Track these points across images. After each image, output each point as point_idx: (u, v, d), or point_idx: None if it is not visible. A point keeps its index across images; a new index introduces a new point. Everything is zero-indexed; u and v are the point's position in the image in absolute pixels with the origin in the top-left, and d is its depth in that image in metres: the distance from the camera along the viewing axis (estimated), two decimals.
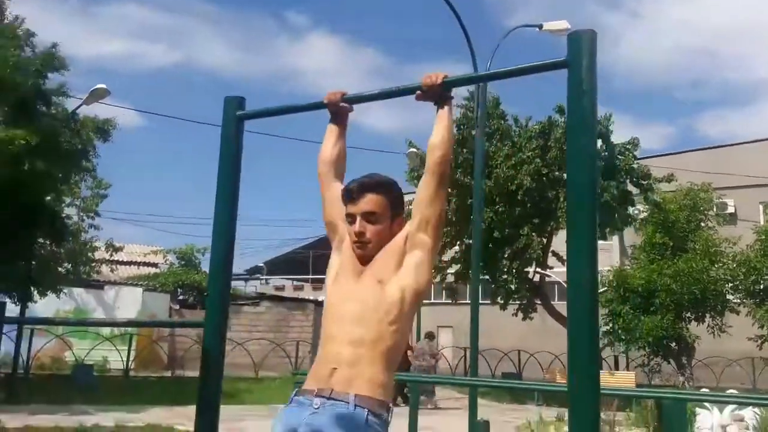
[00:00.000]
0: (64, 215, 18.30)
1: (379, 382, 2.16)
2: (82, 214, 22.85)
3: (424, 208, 2.46)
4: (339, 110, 2.69)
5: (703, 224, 19.93)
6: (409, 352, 16.51)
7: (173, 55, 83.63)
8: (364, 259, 2.41)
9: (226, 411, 2.05)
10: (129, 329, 20.75)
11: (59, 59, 13.84)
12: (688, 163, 25.75)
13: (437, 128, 2.47)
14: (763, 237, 19.50)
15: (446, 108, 2.48)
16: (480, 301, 9.94)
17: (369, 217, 2.42)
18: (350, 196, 2.46)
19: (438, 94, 2.46)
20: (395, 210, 2.54)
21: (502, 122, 18.85)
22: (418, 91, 2.45)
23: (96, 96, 14.20)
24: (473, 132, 18.11)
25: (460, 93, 18.79)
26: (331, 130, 2.75)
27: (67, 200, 20.05)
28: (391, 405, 2.20)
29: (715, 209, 21.27)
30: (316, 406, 2.12)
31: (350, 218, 2.45)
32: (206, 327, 2.79)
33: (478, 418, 9.48)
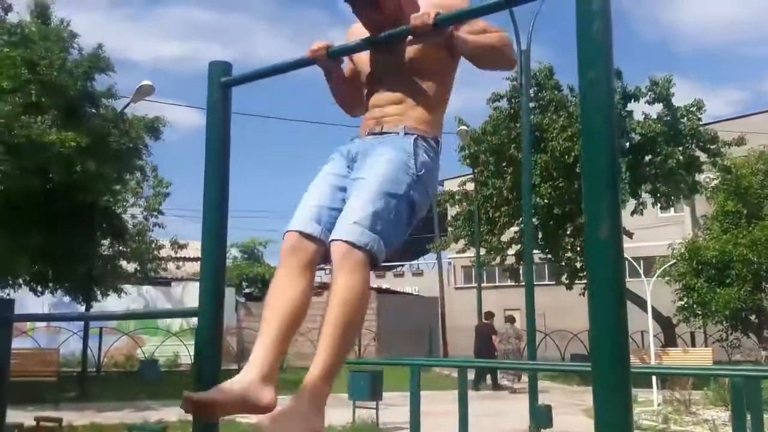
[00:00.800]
0: (128, 215, 18.73)
1: (427, 120, 2.31)
2: (145, 213, 23.35)
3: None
4: (327, 66, 2.44)
5: None
6: (494, 337, 16.71)
7: (228, 53, 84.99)
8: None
9: None
10: (193, 324, 21.08)
11: (105, 60, 14.01)
12: (758, 126, 24.29)
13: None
14: None
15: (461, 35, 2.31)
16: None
17: None
18: None
19: (433, 35, 2.17)
20: None
21: (557, 93, 18.10)
22: (410, 36, 2.18)
23: (142, 93, 14.31)
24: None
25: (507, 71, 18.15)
26: (331, 88, 2.57)
27: (131, 200, 20.47)
28: (439, 139, 2.35)
29: None
30: (368, 141, 2.30)
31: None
32: (200, 316, 2.57)
33: (540, 403, 9.10)
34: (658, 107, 17.77)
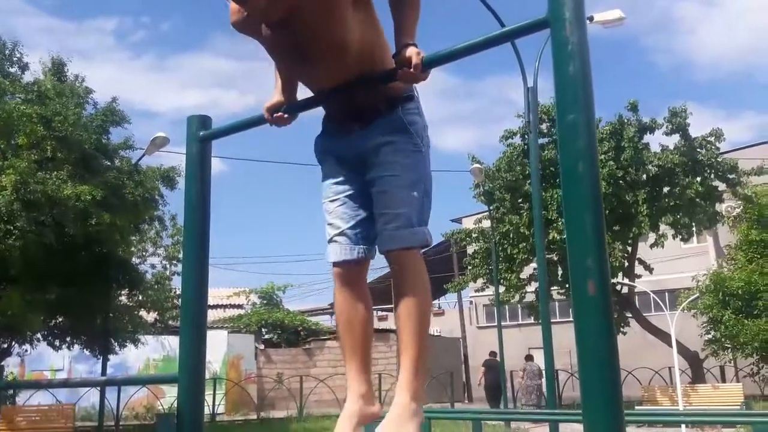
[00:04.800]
0: (147, 264, 18.79)
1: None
2: (164, 262, 23.45)
3: None
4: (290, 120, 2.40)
5: None
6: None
7: (246, 100, 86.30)
8: None
9: None
10: (213, 372, 20.90)
11: (119, 113, 14.22)
12: None
13: None
14: None
15: None
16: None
17: None
18: None
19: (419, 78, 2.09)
20: None
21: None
22: (397, 80, 2.10)
23: (157, 144, 14.48)
24: (540, 141, 17.50)
25: (518, 106, 18.16)
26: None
27: (150, 249, 20.60)
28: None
29: None
30: (358, 134, 2.26)
31: None
32: (180, 384, 2.46)
33: None
34: (676, 138, 17.59)
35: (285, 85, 2.40)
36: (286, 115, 2.34)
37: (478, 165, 17.79)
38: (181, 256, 17.41)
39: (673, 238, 18.03)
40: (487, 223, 19.15)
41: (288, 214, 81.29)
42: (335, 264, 2.29)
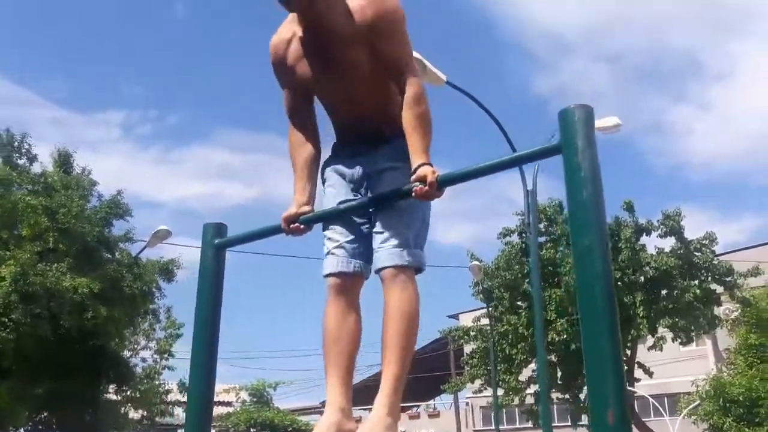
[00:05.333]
0: (137, 358, 18.45)
1: (396, 112, 2.33)
2: (156, 356, 23.01)
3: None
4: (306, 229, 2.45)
5: None
6: None
7: (251, 192, 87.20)
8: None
9: None
10: None
11: (123, 206, 14.40)
12: None
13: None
14: None
15: None
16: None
17: None
18: None
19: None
20: None
21: (567, 226, 18.15)
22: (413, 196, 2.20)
23: (159, 237, 14.55)
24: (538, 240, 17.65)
25: (517, 204, 18.44)
26: None
27: (142, 342, 20.25)
28: None
29: None
30: (365, 158, 2.42)
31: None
32: None
33: None
34: (671, 240, 17.77)
35: (302, 193, 2.45)
36: (302, 226, 2.40)
37: (477, 262, 17.86)
38: (172, 349, 17.13)
39: (672, 341, 17.89)
40: (485, 321, 19.01)
41: (277, 307, 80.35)
42: (331, 275, 2.33)
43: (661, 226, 17.58)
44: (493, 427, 19.05)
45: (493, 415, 18.96)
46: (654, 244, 18.28)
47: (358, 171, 2.40)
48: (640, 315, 16.41)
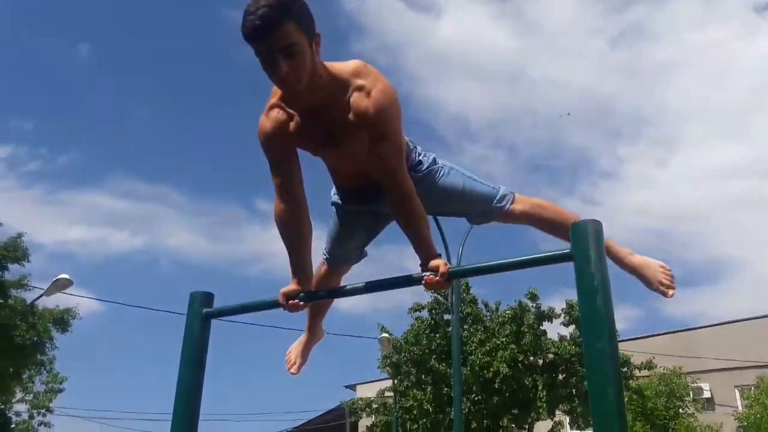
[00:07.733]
0: (12, 413, 17.08)
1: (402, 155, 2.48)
2: (32, 410, 21.36)
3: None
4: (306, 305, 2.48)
5: (681, 410, 19.25)
6: None
7: (137, 240, 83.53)
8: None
9: None
10: None
11: (22, 250, 13.55)
12: (659, 347, 25.39)
13: None
14: (745, 424, 18.75)
15: None
16: None
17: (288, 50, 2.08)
18: (258, 33, 2.03)
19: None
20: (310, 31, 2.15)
21: (474, 306, 18.58)
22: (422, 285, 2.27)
23: (58, 286, 13.71)
24: (446, 317, 17.89)
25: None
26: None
27: (18, 395, 18.80)
28: (411, 151, 2.65)
29: (691, 395, 20.70)
30: None
31: (266, 61, 2.10)
32: None
33: None
34: (572, 328, 18.36)
35: (302, 270, 2.47)
36: (301, 303, 2.41)
37: (386, 335, 17.86)
38: (51, 405, 15.98)
39: (570, 426, 18.33)
40: (389, 394, 18.86)
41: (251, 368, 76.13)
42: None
43: (566, 315, 18.17)
44: None
45: None
46: (557, 332, 18.83)
47: (365, 211, 2.68)
48: (542, 398, 16.76)
